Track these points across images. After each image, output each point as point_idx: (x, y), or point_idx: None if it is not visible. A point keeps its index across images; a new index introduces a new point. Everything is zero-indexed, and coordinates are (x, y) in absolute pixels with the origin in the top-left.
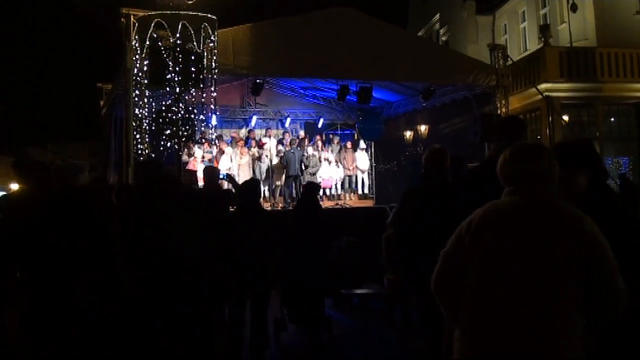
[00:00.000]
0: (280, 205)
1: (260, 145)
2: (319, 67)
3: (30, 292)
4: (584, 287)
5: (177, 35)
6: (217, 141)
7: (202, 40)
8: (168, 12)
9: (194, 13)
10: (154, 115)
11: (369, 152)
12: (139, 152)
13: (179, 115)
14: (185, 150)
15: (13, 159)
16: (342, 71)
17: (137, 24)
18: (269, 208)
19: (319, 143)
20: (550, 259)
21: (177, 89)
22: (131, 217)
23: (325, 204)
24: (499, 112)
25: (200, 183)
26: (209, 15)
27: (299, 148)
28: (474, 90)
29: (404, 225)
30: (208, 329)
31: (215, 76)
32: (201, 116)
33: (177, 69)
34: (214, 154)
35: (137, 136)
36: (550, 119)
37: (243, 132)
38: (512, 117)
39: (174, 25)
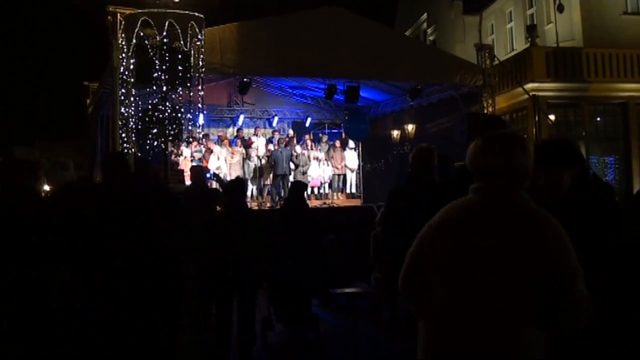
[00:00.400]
0: (268, 204)
1: (249, 144)
2: (306, 66)
3: (30, 292)
4: (545, 293)
5: (164, 33)
6: (204, 140)
7: (189, 39)
8: (155, 10)
9: (181, 11)
10: (140, 114)
11: (357, 152)
12: (125, 151)
13: (166, 114)
14: (173, 149)
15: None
16: (330, 70)
17: (123, 22)
18: (257, 207)
19: (308, 142)
20: (510, 263)
21: (164, 88)
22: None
23: (313, 203)
24: (485, 111)
25: (188, 182)
26: (196, 14)
27: (287, 147)
28: (460, 90)
29: (391, 224)
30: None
31: (202, 75)
32: (188, 115)
33: (164, 67)
34: (203, 153)
35: (124, 135)
36: (536, 118)
37: (230, 131)
38: (493, 117)
39: (161, 23)
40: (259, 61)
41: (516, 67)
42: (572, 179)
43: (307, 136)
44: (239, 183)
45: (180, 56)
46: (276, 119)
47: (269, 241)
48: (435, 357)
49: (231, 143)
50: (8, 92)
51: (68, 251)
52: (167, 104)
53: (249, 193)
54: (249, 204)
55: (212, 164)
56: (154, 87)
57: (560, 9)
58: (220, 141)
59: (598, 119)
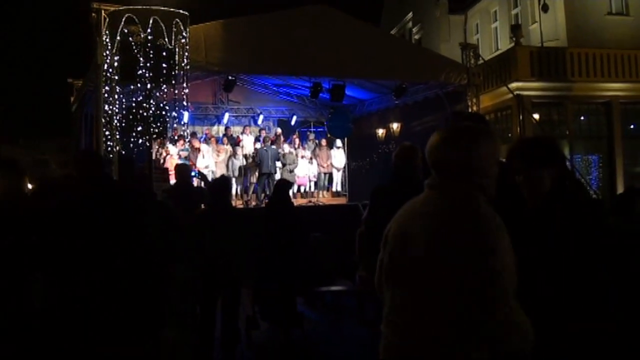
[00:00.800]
0: (253, 203)
1: (237, 142)
2: (291, 65)
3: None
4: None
5: (149, 30)
6: (190, 138)
7: (173, 36)
8: (139, 7)
9: (165, 8)
10: (124, 112)
11: (344, 150)
12: (109, 149)
13: (150, 111)
14: (158, 147)
15: None
16: (315, 69)
17: (108, 19)
18: (242, 206)
19: (296, 141)
20: (450, 271)
21: (148, 85)
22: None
23: (299, 201)
24: (470, 110)
25: (173, 181)
26: (181, 11)
27: (273, 146)
28: (445, 89)
29: (374, 222)
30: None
31: (187, 72)
32: (173, 113)
33: (148, 65)
34: (190, 151)
35: (108, 133)
36: (521, 117)
37: (215, 129)
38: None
39: (145, 20)
40: (244, 59)
41: (501, 67)
42: (552, 180)
43: (295, 135)
44: (224, 181)
45: (164, 53)
46: (261, 117)
47: (253, 240)
48: None
49: (218, 141)
50: None
51: (50, 252)
52: (152, 101)
53: (233, 191)
54: (234, 202)
55: (200, 163)
56: (139, 85)
57: (545, 9)
58: (207, 139)
59: (582, 118)
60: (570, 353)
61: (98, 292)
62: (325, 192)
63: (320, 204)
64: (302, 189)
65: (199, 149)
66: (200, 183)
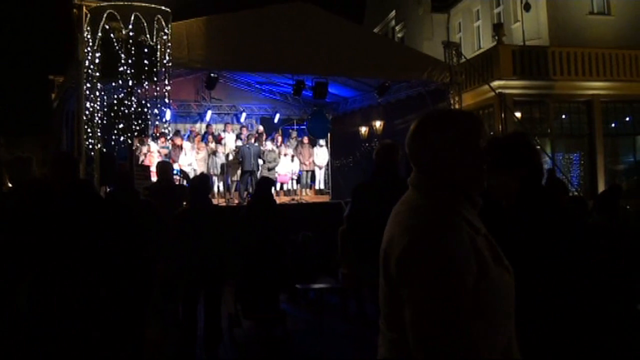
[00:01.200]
0: (236, 200)
1: (219, 140)
2: (274, 62)
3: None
4: None
5: (130, 27)
6: (171, 136)
7: (155, 33)
8: (121, 2)
9: (147, 5)
10: (105, 109)
11: (327, 148)
12: (91, 146)
13: (132, 109)
14: (139, 145)
15: None
16: (298, 66)
17: (89, 15)
18: (224, 204)
19: (279, 138)
20: (391, 281)
21: (130, 82)
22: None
23: (281, 199)
24: (452, 108)
25: (154, 178)
26: (163, 8)
27: (255, 143)
28: (428, 87)
29: (355, 220)
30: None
31: (169, 70)
32: (155, 110)
33: (130, 61)
34: (170, 149)
35: (89, 130)
36: (503, 115)
37: (198, 126)
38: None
39: (127, 16)
40: (227, 56)
41: (483, 65)
42: (520, 181)
43: (277, 132)
44: (202, 179)
45: (146, 50)
46: (244, 114)
47: (235, 237)
48: None
49: (203, 139)
50: None
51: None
52: (133, 98)
53: (215, 189)
54: (216, 200)
55: (183, 161)
56: (120, 82)
57: (527, 8)
58: (192, 137)
59: (563, 116)
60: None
61: (82, 292)
62: (308, 190)
63: (304, 201)
64: (284, 187)
65: (181, 147)
66: (182, 181)
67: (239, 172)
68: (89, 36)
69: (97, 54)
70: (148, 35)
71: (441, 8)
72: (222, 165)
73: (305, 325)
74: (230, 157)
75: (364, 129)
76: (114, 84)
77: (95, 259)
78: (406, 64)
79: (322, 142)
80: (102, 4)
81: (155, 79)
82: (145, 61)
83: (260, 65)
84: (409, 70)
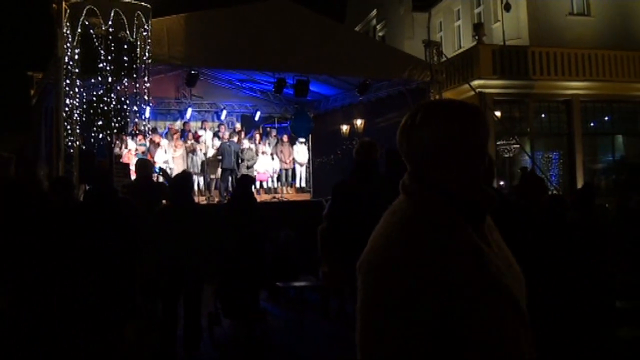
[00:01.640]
0: (216, 198)
1: (196, 138)
2: (255, 59)
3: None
4: None
5: (110, 23)
6: (150, 133)
7: (135, 29)
8: None
9: (127, 0)
10: (85, 106)
11: (307, 146)
12: (70, 143)
13: (111, 106)
14: (118, 142)
15: None
16: (279, 64)
17: (69, 11)
18: (205, 202)
19: (257, 136)
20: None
21: (109, 79)
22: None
23: (262, 197)
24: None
25: (133, 176)
26: (143, 3)
27: (235, 141)
28: (409, 85)
29: (335, 217)
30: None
31: (148, 66)
32: (134, 107)
33: (110, 58)
34: (148, 146)
35: (68, 127)
36: None
37: (178, 124)
38: None
39: (107, 12)
40: (207, 53)
41: (463, 64)
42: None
43: (256, 130)
44: (185, 177)
45: (126, 46)
46: (224, 112)
47: (215, 235)
48: None
49: (182, 136)
50: None
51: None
52: (113, 95)
53: (195, 187)
54: (196, 198)
55: (159, 158)
56: (99, 78)
57: (507, 8)
58: (170, 135)
59: (543, 115)
60: None
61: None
62: (289, 188)
63: (284, 200)
64: (264, 185)
65: (159, 144)
66: (161, 179)
67: (219, 170)
68: (68, 32)
69: (77, 50)
70: (128, 32)
71: (422, 7)
72: (202, 163)
73: (285, 323)
74: (210, 155)
75: (345, 127)
76: (93, 80)
77: (94, 259)
78: (387, 62)
79: (302, 138)
80: (81, 0)
81: (135, 75)
82: (125, 57)
83: (241, 62)
84: (390, 69)
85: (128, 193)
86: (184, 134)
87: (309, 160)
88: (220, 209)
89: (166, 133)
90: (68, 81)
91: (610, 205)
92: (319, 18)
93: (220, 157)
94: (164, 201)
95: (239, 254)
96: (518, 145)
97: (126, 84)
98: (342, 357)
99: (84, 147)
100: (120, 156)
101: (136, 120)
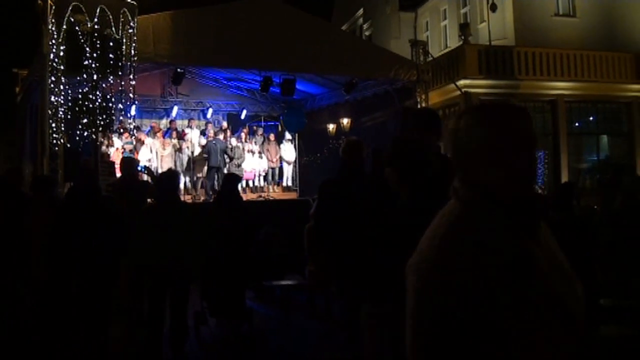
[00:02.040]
0: (202, 197)
1: (182, 136)
2: (242, 58)
3: None
4: None
5: (95, 20)
6: (135, 131)
7: (121, 26)
8: None
9: None
10: (70, 104)
11: (294, 144)
12: (55, 141)
13: (96, 103)
14: (105, 140)
15: None
16: (265, 62)
17: (54, 7)
18: (191, 200)
19: (243, 135)
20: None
21: (95, 76)
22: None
23: (249, 196)
24: (419, 106)
25: (119, 174)
26: (129, 1)
27: (221, 139)
28: (395, 85)
29: (322, 216)
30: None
31: (134, 64)
32: (119, 105)
33: (95, 55)
34: (134, 144)
35: (53, 125)
36: None
37: (164, 122)
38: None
39: (92, 9)
40: (193, 51)
41: (449, 64)
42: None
43: (243, 129)
44: (171, 175)
45: (111, 44)
46: (210, 110)
47: (201, 234)
48: None
49: (165, 135)
50: None
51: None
52: (98, 93)
53: (182, 185)
54: (182, 196)
55: (143, 156)
56: (85, 76)
57: (493, 8)
58: (153, 133)
59: None
60: None
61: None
62: (275, 187)
63: (271, 198)
64: (251, 184)
65: (144, 142)
66: (145, 177)
67: (205, 168)
68: (53, 29)
69: (62, 47)
70: (114, 29)
71: (409, 7)
72: (189, 161)
73: (271, 322)
74: (196, 153)
75: (331, 126)
76: (78, 77)
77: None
78: (373, 61)
79: (288, 136)
80: None
81: (120, 73)
82: (111, 55)
83: (228, 60)
84: (377, 68)
85: (113, 191)
86: (167, 132)
87: (295, 159)
88: (206, 207)
89: (149, 131)
90: (53, 78)
91: (592, 205)
92: (305, 16)
93: (206, 156)
94: (149, 200)
95: (225, 253)
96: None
97: (111, 81)
98: (329, 356)
99: (68, 145)
100: (107, 154)
101: (121, 118)
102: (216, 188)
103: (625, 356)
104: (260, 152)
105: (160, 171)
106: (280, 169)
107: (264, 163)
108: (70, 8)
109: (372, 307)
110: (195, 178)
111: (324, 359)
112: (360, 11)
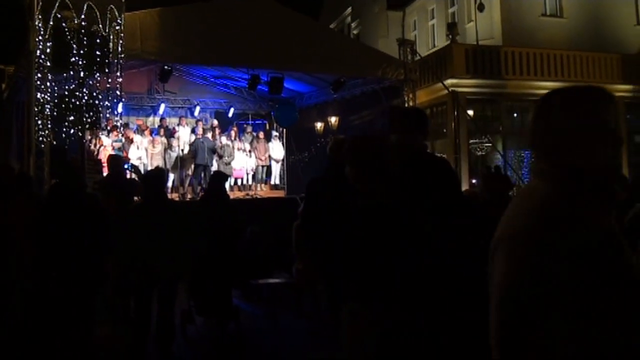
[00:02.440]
0: (189, 195)
1: (172, 134)
2: (229, 56)
3: None
4: None
5: (82, 16)
6: (123, 129)
7: (108, 23)
8: None
9: None
10: (56, 101)
11: (282, 142)
12: (41, 138)
13: (83, 100)
14: (92, 138)
15: None
16: (253, 60)
17: (41, 3)
18: (179, 198)
19: (233, 133)
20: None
21: (81, 73)
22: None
23: (236, 194)
24: (406, 105)
25: (106, 172)
26: None
27: (209, 137)
28: (383, 84)
29: (309, 215)
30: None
31: (121, 61)
32: (106, 102)
33: (82, 52)
34: (123, 142)
35: (40, 122)
36: (455, 113)
37: (151, 119)
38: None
39: (79, 5)
40: (181, 48)
41: (437, 63)
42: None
43: (233, 127)
44: (159, 173)
45: (98, 41)
46: (198, 108)
47: (189, 232)
48: None
49: (152, 132)
50: None
51: None
52: (85, 90)
53: (170, 184)
54: (170, 194)
55: (133, 154)
56: (71, 72)
57: (481, 8)
58: (140, 130)
59: (514, 114)
60: None
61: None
62: (263, 185)
63: (258, 196)
64: (239, 182)
65: (132, 140)
66: (133, 175)
67: (192, 166)
68: (40, 25)
69: (49, 44)
70: (101, 25)
71: (397, 6)
72: (177, 159)
73: (258, 321)
74: (185, 151)
75: (319, 125)
76: (65, 74)
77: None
78: (361, 60)
79: (275, 134)
80: None
81: (107, 70)
82: (98, 52)
83: (215, 58)
84: (364, 67)
85: (99, 189)
86: (154, 130)
87: (283, 157)
88: (193, 205)
89: (136, 129)
90: (40, 75)
91: None
92: (293, 15)
93: (194, 153)
94: (136, 198)
95: (212, 251)
96: (490, 144)
97: (98, 78)
98: (316, 354)
99: (55, 142)
100: (96, 152)
101: (108, 115)
102: (203, 186)
103: None
104: (250, 151)
105: (149, 169)
106: (269, 167)
107: (253, 161)
108: (57, 4)
109: (359, 306)
110: (183, 176)
111: (311, 357)
112: (349, 10)
